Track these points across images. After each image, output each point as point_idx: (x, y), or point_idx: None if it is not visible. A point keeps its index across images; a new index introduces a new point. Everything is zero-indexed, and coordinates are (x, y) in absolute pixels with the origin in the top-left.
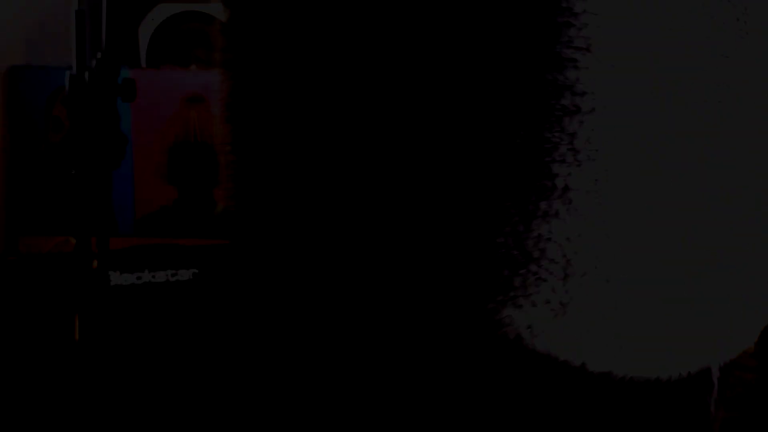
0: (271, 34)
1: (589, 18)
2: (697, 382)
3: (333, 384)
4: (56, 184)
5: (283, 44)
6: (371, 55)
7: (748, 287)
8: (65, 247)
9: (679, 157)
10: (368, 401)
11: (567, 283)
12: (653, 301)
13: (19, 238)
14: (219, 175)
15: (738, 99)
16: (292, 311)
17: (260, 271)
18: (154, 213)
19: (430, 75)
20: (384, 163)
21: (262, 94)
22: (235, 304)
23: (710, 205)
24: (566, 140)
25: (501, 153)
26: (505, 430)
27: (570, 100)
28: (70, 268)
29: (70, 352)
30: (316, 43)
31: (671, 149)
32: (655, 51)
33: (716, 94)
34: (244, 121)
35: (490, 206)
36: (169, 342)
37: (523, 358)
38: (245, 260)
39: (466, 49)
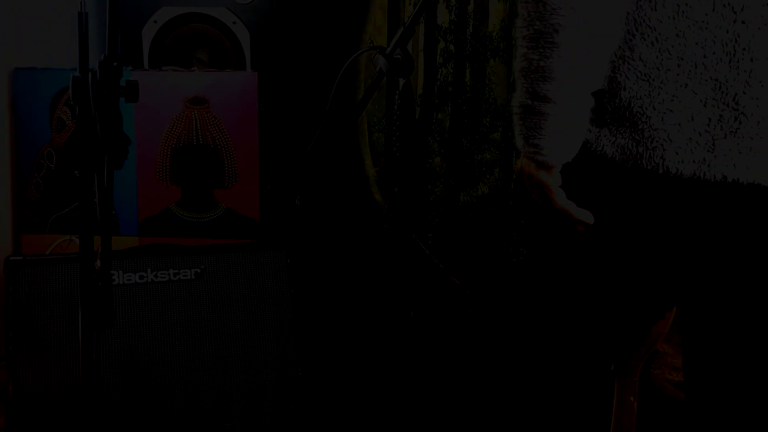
0: None
1: None
2: None
3: None
4: (59, 184)
5: None
6: None
7: None
8: (68, 246)
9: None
10: None
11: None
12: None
13: (22, 237)
14: (220, 176)
15: None
16: None
17: None
18: (157, 214)
19: None
20: None
21: None
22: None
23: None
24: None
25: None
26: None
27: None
28: (73, 267)
29: (74, 350)
30: None
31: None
32: None
33: None
34: None
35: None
36: (172, 340)
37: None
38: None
39: None
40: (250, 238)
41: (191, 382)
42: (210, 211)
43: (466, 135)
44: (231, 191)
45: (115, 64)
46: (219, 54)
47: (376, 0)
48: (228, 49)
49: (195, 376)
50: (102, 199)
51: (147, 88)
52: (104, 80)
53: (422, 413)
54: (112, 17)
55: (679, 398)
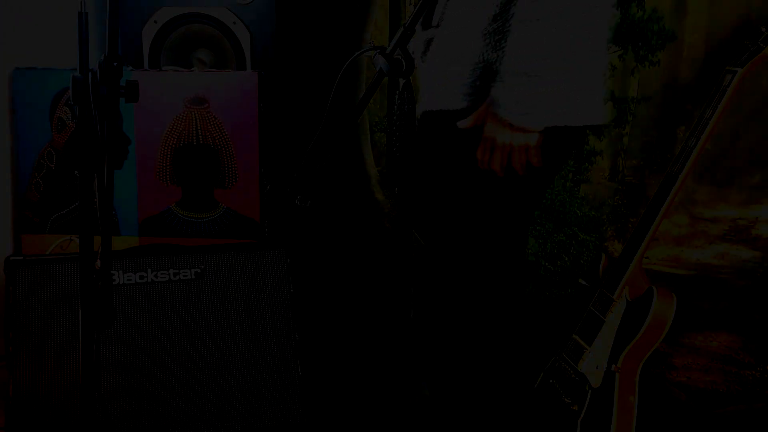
0: None
1: None
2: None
3: None
4: (60, 184)
5: None
6: None
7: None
8: (68, 246)
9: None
10: None
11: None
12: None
13: (22, 237)
14: (220, 176)
15: None
16: None
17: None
18: (157, 214)
19: None
20: None
21: None
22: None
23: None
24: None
25: None
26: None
27: None
28: (73, 267)
29: (75, 350)
30: None
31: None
32: None
33: None
34: None
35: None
36: (172, 340)
37: None
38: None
39: None
40: (250, 238)
41: (191, 382)
42: (210, 211)
43: None
44: (231, 191)
45: (115, 64)
46: (219, 54)
47: (378, 0)
48: (228, 49)
49: (195, 376)
50: (102, 199)
51: (147, 88)
52: (104, 80)
53: (422, 413)
54: (112, 17)
55: (680, 398)
